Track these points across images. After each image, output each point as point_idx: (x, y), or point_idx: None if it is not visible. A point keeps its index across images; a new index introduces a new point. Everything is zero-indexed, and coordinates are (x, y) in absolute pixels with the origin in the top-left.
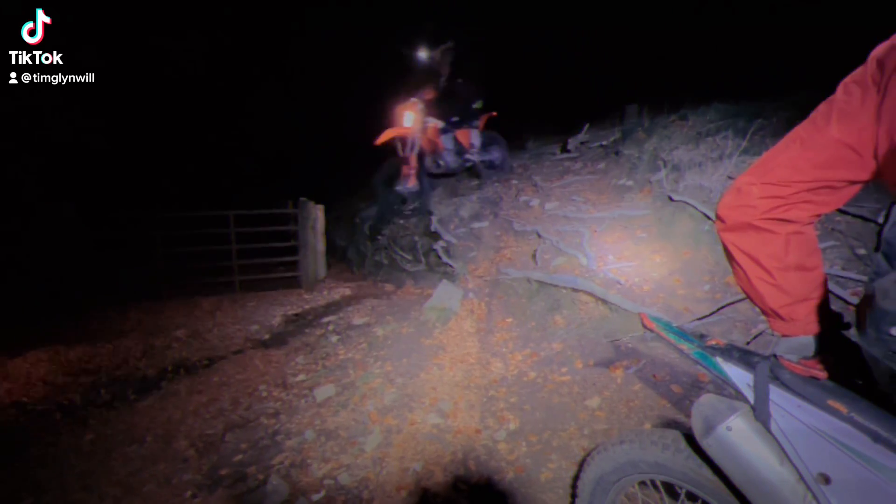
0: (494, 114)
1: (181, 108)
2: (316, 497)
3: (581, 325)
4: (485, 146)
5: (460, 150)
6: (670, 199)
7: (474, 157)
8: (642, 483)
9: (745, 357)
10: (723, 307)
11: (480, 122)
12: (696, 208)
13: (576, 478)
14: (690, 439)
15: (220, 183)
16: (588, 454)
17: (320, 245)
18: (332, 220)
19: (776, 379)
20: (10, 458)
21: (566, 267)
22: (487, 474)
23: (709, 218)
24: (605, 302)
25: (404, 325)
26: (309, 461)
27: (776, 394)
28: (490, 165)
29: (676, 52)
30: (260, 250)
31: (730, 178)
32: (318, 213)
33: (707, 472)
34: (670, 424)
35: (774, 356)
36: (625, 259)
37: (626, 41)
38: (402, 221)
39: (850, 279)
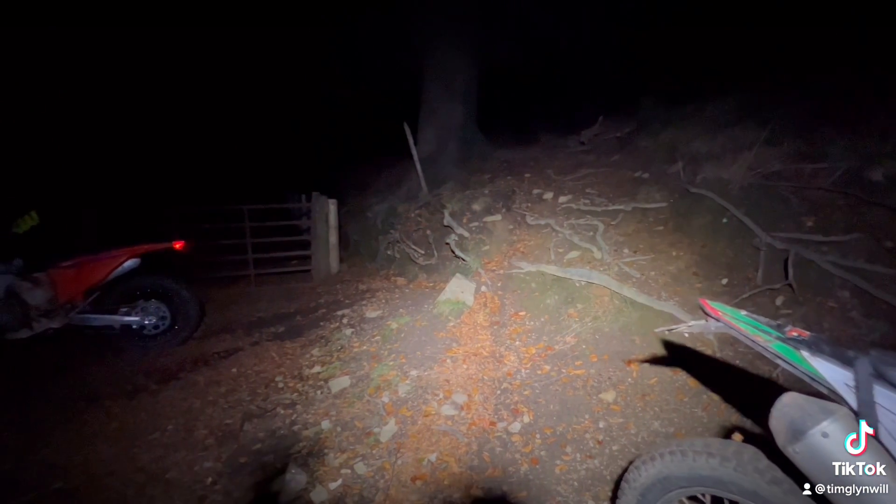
0: (179, 245)
1: (196, 103)
2: (333, 485)
3: (596, 318)
4: (123, 300)
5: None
6: (688, 191)
7: (77, 319)
8: (692, 497)
9: (837, 352)
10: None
11: (120, 254)
12: (714, 200)
13: (619, 479)
14: (772, 455)
15: (234, 178)
16: (640, 455)
17: (333, 238)
18: (345, 214)
19: (881, 377)
20: (38, 444)
21: (580, 260)
22: (502, 466)
23: (728, 210)
24: (620, 296)
25: (418, 318)
26: (326, 451)
27: (883, 395)
28: (135, 333)
29: (693, 41)
30: (274, 244)
31: (750, 169)
32: (331, 207)
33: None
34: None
35: (877, 350)
36: (640, 252)
37: (641, 30)
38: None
39: (877, 273)
